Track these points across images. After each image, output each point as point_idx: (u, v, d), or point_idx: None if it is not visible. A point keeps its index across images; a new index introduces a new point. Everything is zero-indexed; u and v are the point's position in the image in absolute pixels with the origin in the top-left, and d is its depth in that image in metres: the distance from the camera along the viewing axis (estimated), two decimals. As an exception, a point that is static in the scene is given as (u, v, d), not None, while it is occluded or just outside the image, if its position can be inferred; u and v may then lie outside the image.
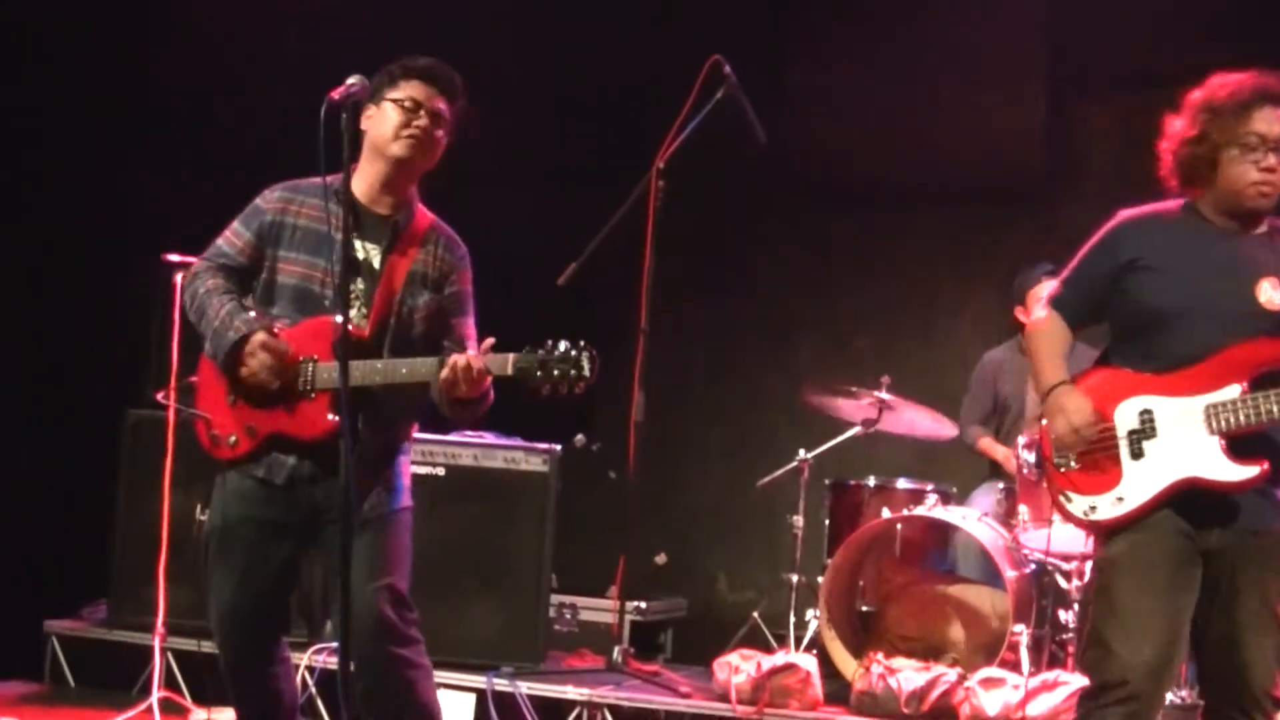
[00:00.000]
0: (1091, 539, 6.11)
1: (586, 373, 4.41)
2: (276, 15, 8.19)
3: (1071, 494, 4.62)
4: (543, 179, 8.85)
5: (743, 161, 8.47)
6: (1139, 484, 4.52)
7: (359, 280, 4.70)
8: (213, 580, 4.78)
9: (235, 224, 4.85)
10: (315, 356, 4.62)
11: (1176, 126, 4.62)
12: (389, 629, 4.68)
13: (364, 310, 4.68)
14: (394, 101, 4.71)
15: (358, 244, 4.70)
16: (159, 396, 5.25)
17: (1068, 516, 4.67)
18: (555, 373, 4.41)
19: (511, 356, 4.46)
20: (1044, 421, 4.68)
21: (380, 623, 4.66)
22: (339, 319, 4.29)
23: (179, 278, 6.76)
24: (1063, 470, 4.64)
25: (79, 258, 7.67)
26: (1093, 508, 4.57)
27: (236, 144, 7.69)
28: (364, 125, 4.74)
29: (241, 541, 4.74)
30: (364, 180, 4.77)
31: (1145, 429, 4.53)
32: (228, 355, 4.66)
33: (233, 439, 4.72)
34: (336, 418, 4.53)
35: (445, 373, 4.46)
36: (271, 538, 4.72)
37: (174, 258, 7.02)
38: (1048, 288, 4.95)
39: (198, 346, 4.89)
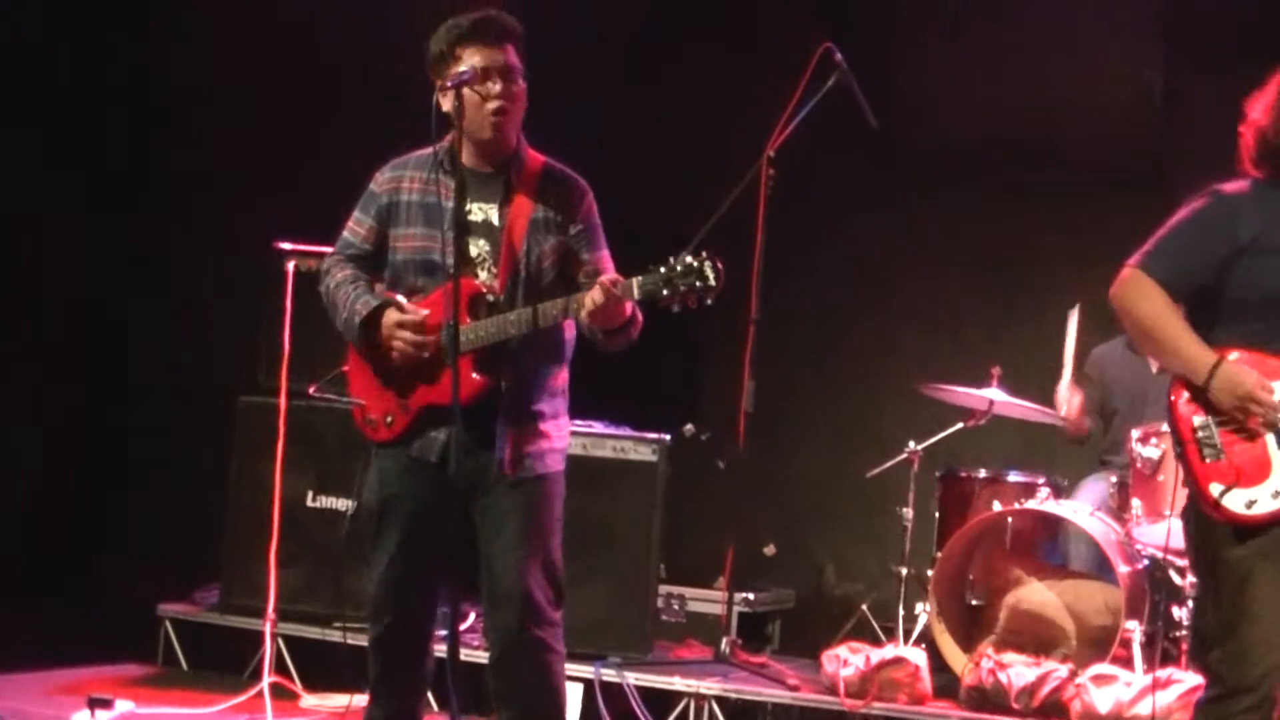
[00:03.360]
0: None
1: (712, 281, 4.36)
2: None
3: (1228, 487, 4.36)
4: (655, 168, 8.84)
5: (853, 148, 8.43)
6: None
7: (481, 241, 4.71)
8: (371, 555, 4.81)
9: (355, 212, 4.89)
10: (449, 323, 4.61)
11: (1261, 108, 4.53)
12: (532, 606, 4.66)
13: (492, 269, 4.69)
14: (463, 84, 4.60)
15: (473, 206, 4.72)
16: (311, 390, 5.28)
17: (1220, 511, 4.36)
18: (681, 287, 4.37)
19: (636, 279, 4.44)
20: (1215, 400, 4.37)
21: (525, 598, 4.65)
22: (458, 281, 4.40)
23: (290, 265, 6.89)
24: (1208, 461, 4.40)
25: (192, 246, 7.75)
26: (1253, 501, 4.33)
27: (347, 128, 7.73)
28: (445, 107, 4.67)
29: (397, 519, 4.76)
30: (467, 147, 4.76)
31: None
32: (362, 338, 4.72)
33: (389, 419, 4.75)
34: (480, 376, 4.55)
35: (585, 312, 4.46)
36: (427, 515, 4.71)
37: (285, 245, 7.09)
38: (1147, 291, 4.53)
39: (325, 333, 4.94)
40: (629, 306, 4.56)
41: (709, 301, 4.41)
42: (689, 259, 4.37)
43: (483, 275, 4.69)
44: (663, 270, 4.40)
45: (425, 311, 4.66)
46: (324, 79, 8.10)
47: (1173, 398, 4.47)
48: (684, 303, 4.41)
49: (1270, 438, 4.36)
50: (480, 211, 4.72)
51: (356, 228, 4.87)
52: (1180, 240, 4.49)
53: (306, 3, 8.29)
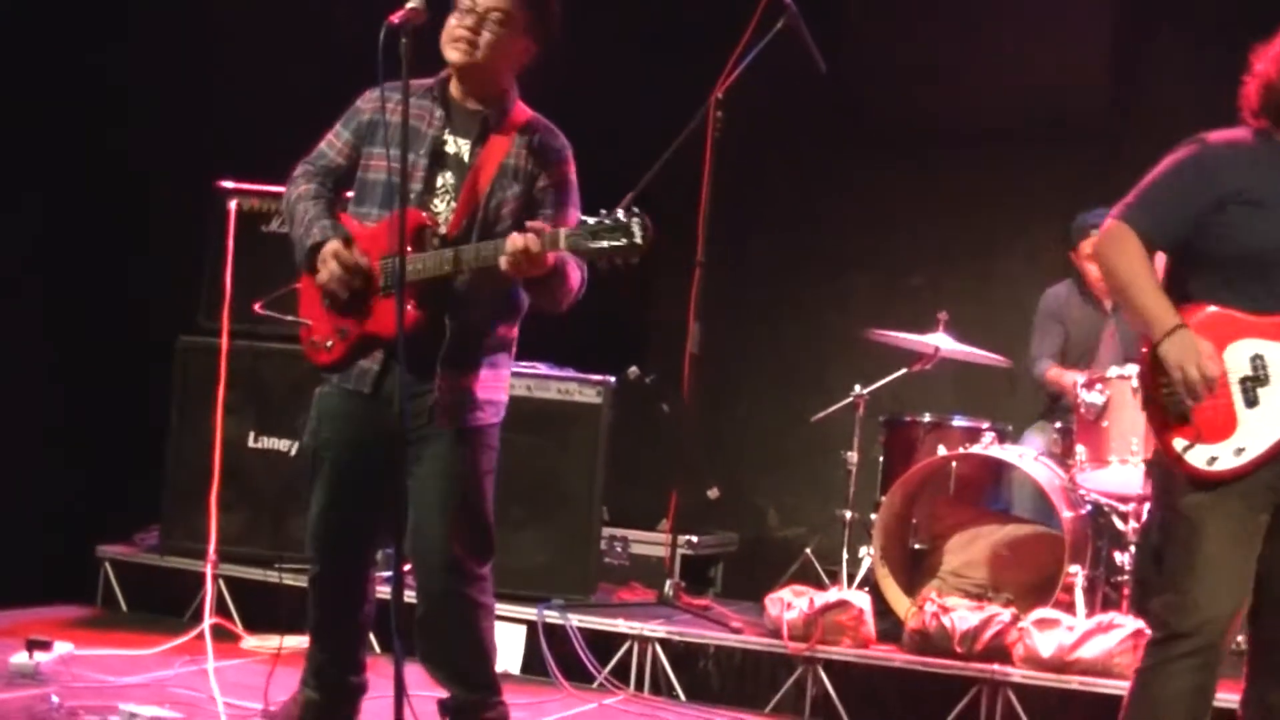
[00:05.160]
0: (1149, 482, 6.04)
1: (639, 239, 4.29)
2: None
3: (1191, 442, 4.37)
4: (599, 108, 8.77)
5: (801, 96, 8.41)
6: (1257, 433, 4.33)
7: (448, 174, 4.69)
8: (309, 497, 4.79)
9: (337, 125, 4.85)
10: (394, 252, 4.55)
11: (1272, 55, 4.45)
12: (457, 566, 4.66)
13: (451, 204, 4.66)
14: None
15: (449, 137, 4.71)
16: (256, 307, 5.23)
17: (1183, 466, 4.37)
18: (606, 244, 4.31)
19: (563, 231, 4.38)
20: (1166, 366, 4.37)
21: (449, 558, 4.65)
22: (403, 210, 4.30)
23: (233, 204, 6.82)
24: (1174, 415, 4.39)
25: (131, 185, 7.64)
26: (1214, 458, 4.34)
27: (294, 70, 7.63)
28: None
29: (333, 457, 4.74)
30: (455, 81, 4.75)
31: (1259, 375, 4.35)
32: (306, 262, 4.69)
33: (329, 343, 4.72)
34: (418, 310, 4.49)
35: (504, 258, 4.40)
36: (360, 457, 4.70)
37: (227, 184, 7.02)
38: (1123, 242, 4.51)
39: (268, 274, 4.89)
40: (553, 258, 4.49)
41: (635, 260, 4.35)
42: (620, 214, 4.31)
43: (441, 207, 4.65)
44: (591, 224, 4.34)
45: (365, 260, 4.62)
46: (272, 17, 7.98)
47: (1144, 350, 4.47)
48: (610, 260, 4.35)
49: (1237, 395, 4.36)
50: (455, 144, 4.71)
51: (334, 140, 4.84)
52: (1161, 190, 4.46)
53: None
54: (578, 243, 4.35)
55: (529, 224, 4.45)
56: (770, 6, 7.15)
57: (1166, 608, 4.42)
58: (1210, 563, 4.33)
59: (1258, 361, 4.36)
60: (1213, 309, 4.40)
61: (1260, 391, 4.35)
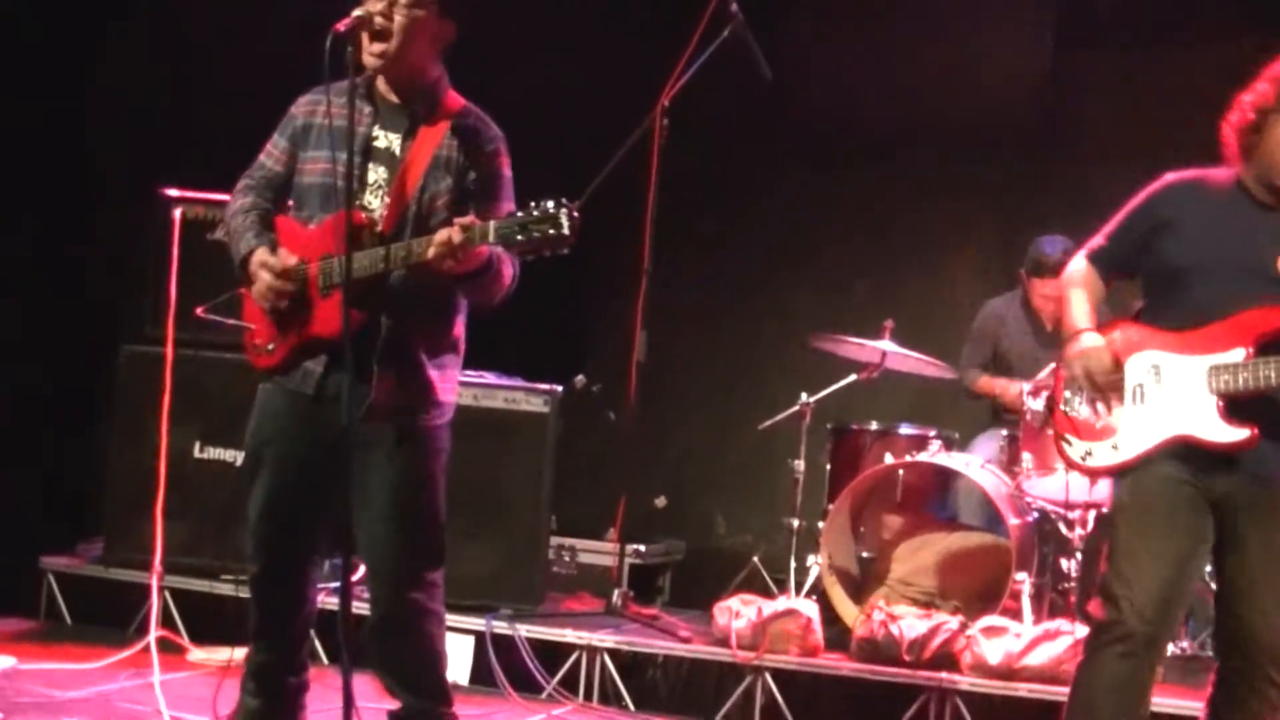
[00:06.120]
0: (1094, 488, 6.27)
1: (566, 230, 4.24)
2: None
3: (1072, 438, 4.79)
4: (545, 117, 8.76)
5: (746, 103, 8.42)
6: (1135, 435, 4.63)
7: (380, 169, 4.65)
8: (250, 495, 4.75)
9: (274, 135, 4.82)
10: (334, 253, 4.52)
11: (1249, 98, 4.63)
12: (407, 574, 4.65)
13: (385, 199, 4.62)
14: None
15: (379, 133, 4.66)
16: (199, 311, 5.19)
17: (1065, 459, 4.85)
18: (535, 234, 4.26)
19: (492, 223, 4.33)
20: (1065, 364, 4.79)
21: (398, 567, 4.64)
22: (349, 209, 4.30)
23: (177, 212, 6.78)
24: (1068, 414, 4.79)
25: (72, 192, 7.59)
26: (1089, 453, 4.73)
27: (240, 75, 7.59)
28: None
29: (272, 461, 4.70)
30: (382, 77, 4.70)
31: (1151, 383, 4.61)
32: (241, 272, 4.68)
33: (270, 346, 4.68)
34: (359, 314, 4.42)
35: (431, 250, 4.36)
36: (301, 457, 4.66)
37: (171, 191, 6.98)
38: (1073, 263, 4.96)
39: (212, 283, 4.86)
40: (484, 252, 4.46)
41: (564, 251, 4.31)
42: (548, 204, 4.27)
43: (375, 202, 4.61)
44: (520, 214, 4.30)
45: (294, 260, 4.59)
46: (226, 25, 7.95)
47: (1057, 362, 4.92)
48: (538, 250, 4.31)
49: (1128, 398, 4.65)
50: (385, 139, 4.67)
51: (272, 149, 4.81)
52: (1116, 223, 4.84)
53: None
54: (507, 235, 4.30)
55: (457, 219, 4.40)
56: (716, 14, 7.16)
57: (1092, 603, 4.65)
58: (1121, 553, 4.57)
59: (1154, 371, 4.63)
60: (1128, 324, 4.75)
61: (1148, 398, 4.63)
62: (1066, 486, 6.56)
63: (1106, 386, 4.66)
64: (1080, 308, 4.81)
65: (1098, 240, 4.87)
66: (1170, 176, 4.76)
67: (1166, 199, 4.71)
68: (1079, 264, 4.88)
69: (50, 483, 7.45)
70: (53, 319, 7.53)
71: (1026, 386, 6.84)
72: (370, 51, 4.56)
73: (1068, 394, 4.82)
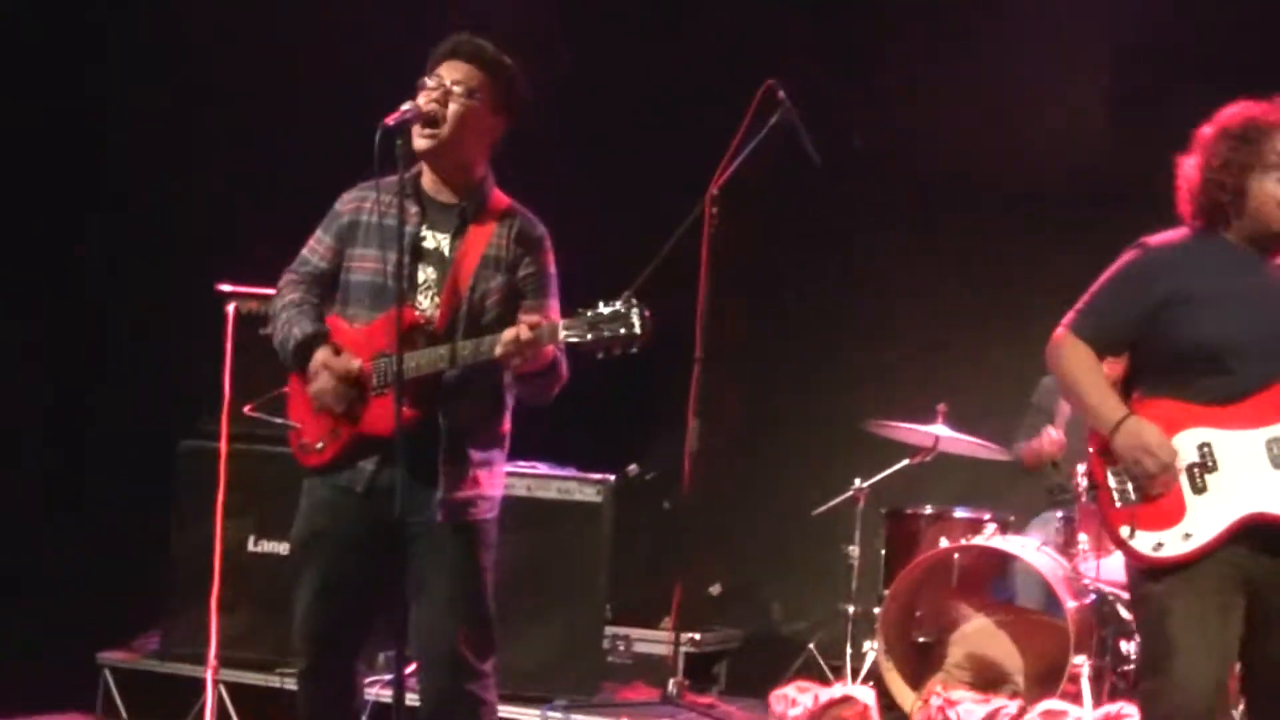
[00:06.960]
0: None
1: (638, 330, 4.28)
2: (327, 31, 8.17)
3: (1135, 529, 4.48)
4: (594, 205, 8.81)
5: (796, 187, 8.43)
6: (1205, 520, 4.41)
7: (430, 269, 4.64)
8: (296, 590, 4.75)
9: (318, 230, 4.83)
10: (387, 352, 4.54)
11: (1193, 163, 4.58)
12: (462, 665, 4.63)
13: (435, 299, 4.62)
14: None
15: (427, 233, 4.66)
16: (247, 410, 5.22)
17: (1130, 553, 4.50)
18: (606, 333, 4.28)
19: (561, 322, 4.36)
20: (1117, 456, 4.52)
21: (454, 659, 4.62)
22: (400, 308, 4.30)
23: (231, 307, 6.83)
24: (1120, 505, 4.52)
25: (132, 289, 7.68)
26: (1160, 544, 4.43)
27: (292, 173, 7.67)
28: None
29: (322, 553, 4.70)
30: (429, 175, 4.72)
31: (1206, 462, 4.44)
32: (293, 361, 4.68)
33: (320, 444, 4.68)
34: (411, 409, 4.42)
35: (499, 348, 4.38)
36: (353, 550, 4.65)
37: (225, 287, 7.03)
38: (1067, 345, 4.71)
39: (266, 378, 4.88)
40: (550, 351, 4.48)
41: (634, 350, 4.34)
42: (617, 305, 4.30)
43: (425, 302, 4.62)
44: (589, 315, 4.32)
45: (357, 363, 4.59)
46: (275, 122, 8.04)
47: (1091, 448, 4.62)
48: (608, 350, 4.33)
49: (1184, 482, 4.45)
50: (434, 239, 4.67)
51: (316, 245, 4.81)
52: (1105, 298, 4.64)
53: (265, 43, 8.22)
54: (579, 334, 4.34)
55: (524, 318, 4.42)
56: (764, 100, 7.21)
57: (1145, 695, 4.53)
58: (1179, 646, 4.39)
59: (1205, 449, 4.45)
60: (1161, 401, 4.52)
61: (1208, 478, 4.44)
62: (1125, 568, 6.50)
63: (1172, 472, 4.43)
64: (1105, 393, 4.57)
65: (1086, 318, 4.63)
66: (1152, 243, 4.61)
67: (1163, 271, 4.54)
68: (1076, 345, 4.60)
69: (108, 578, 7.47)
70: (111, 414, 7.59)
71: (1081, 468, 6.79)
72: (421, 134, 4.58)
73: (1114, 484, 4.53)
